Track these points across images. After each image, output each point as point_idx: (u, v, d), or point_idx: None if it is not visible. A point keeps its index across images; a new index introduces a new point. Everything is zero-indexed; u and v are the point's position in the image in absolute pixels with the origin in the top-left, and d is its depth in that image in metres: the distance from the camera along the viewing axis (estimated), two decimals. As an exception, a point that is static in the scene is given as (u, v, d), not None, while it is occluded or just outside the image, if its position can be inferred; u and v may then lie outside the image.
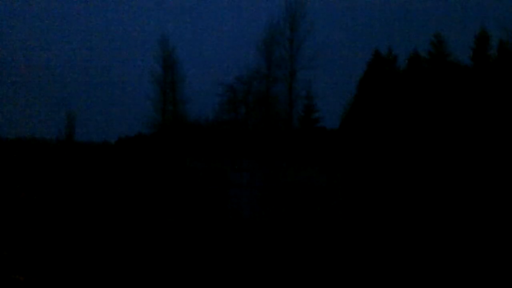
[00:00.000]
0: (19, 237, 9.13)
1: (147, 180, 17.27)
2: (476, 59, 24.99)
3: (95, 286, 7.00)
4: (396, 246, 8.52)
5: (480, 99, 22.96)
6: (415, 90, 25.34)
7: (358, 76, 29.20)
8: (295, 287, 6.94)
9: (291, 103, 26.92)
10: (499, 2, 23.17)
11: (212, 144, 26.45)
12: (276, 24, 27.32)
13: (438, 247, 8.34)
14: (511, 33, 23.82)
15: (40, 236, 9.08)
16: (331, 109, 27.83)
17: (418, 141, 23.44)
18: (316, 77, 30.83)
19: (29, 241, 8.77)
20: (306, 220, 10.33)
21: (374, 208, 11.70)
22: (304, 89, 27.42)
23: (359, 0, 28.05)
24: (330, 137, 27.80)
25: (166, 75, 29.16)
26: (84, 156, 29.61)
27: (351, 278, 7.13)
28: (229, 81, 28.02)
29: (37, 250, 8.39)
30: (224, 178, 17.31)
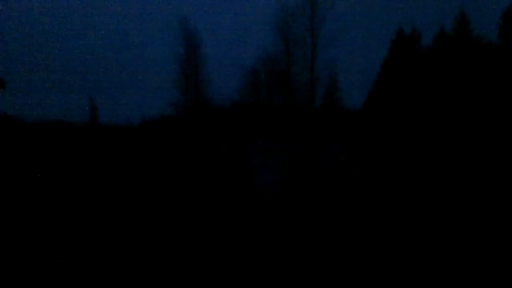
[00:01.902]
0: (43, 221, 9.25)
1: (172, 163, 17.35)
2: (503, 36, 24.72)
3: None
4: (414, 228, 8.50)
5: (507, 77, 22.75)
6: (440, 69, 25.18)
7: (381, 55, 29.07)
8: (314, 267, 6.98)
9: (313, 83, 26.89)
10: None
11: (236, 126, 26.48)
12: (296, 2, 27.35)
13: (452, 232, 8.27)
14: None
15: (64, 220, 9.19)
16: (354, 89, 27.62)
17: (443, 121, 23.33)
18: (338, 56, 30.56)
19: (53, 225, 8.88)
20: (329, 201, 10.32)
21: (397, 191, 11.63)
22: (326, 69, 27.46)
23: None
24: (353, 117, 27.72)
25: (188, 57, 29.24)
26: (109, 138, 29.81)
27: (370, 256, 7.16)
28: (250, 63, 28.06)
29: (63, 231, 8.51)
30: (248, 160, 17.36)
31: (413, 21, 28.42)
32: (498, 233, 8.28)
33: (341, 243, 7.75)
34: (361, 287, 6.57)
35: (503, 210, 9.45)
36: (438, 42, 27.18)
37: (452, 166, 14.51)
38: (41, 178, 13.79)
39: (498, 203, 9.94)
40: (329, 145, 21.46)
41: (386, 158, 17.05)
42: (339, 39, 26.73)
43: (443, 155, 17.42)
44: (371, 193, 11.18)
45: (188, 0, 29.88)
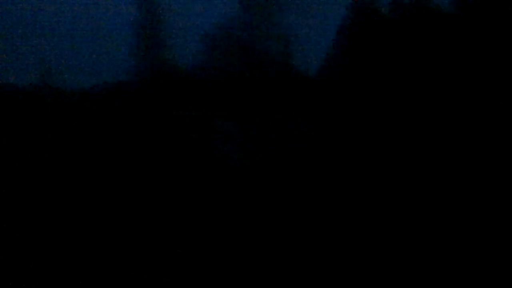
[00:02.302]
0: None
1: (132, 131, 16.98)
2: (461, 4, 24.91)
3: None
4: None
5: (463, 46, 23.09)
6: (397, 36, 25.34)
7: (338, 20, 29.00)
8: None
9: (271, 49, 26.82)
10: None
11: (196, 92, 26.21)
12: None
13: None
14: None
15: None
16: (314, 56, 27.61)
17: (399, 90, 23.54)
18: (296, 22, 30.44)
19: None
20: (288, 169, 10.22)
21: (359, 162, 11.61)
22: (283, 35, 27.39)
23: None
24: (310, 85, 27.73)
25: (145, 20, 28.64)
26: (62, 104, 29.10)
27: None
28: (208, 29, 27.74)
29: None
30: (209, 127, 17.13)
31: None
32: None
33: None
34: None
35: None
36: (394, 9, 27.27)
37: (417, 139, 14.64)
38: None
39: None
40: (287, 113, 21.45)
41: (344, 127, 17.09)
42: (296, 5, 26.58)
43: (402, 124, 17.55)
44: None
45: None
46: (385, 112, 20.10)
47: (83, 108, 27.61)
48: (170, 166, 11.32)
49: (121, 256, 6.71)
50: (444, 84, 21.61)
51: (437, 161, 11.41)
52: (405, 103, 20.93)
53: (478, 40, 21.59)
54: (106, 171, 10.94)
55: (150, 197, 8.84)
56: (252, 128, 16.41)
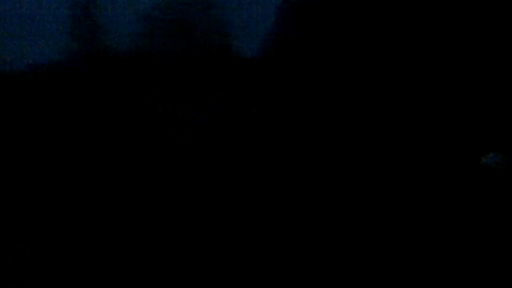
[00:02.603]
0: None
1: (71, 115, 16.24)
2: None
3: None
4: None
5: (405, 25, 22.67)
6: (334, 14, 24.74)
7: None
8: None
9: (209, 30, 25.95)
10: None
11: (134, 75, 25.19)
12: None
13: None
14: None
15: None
16: (253, 36, 27.05)
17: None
18: (235, 3, 29.77)
19: None
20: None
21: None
22: (223, 15, 26.52)
23: None
24: (249, 66, 26.88)
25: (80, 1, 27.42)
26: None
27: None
28: (145, 9, 26.63)
29: None
30: (149, 107, 16.50)
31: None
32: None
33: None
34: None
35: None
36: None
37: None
38: None
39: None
40: (227, 93, 20.87)
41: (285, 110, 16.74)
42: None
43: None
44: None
45: None
46: (324, 93, 19.70)
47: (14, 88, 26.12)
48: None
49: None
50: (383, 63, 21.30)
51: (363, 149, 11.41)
52: (342, 86, 20.56)
53: (416, 20, 21.24)
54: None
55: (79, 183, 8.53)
56: (190, 108, 15.94)
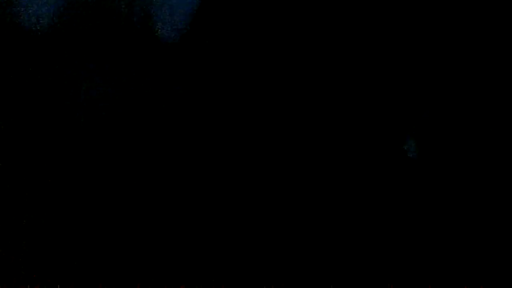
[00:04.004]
0: None
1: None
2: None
3: None
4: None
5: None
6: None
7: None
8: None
9: (128, 11, 25.87)
10: None
11: (51, 51, 24.74)
12: None
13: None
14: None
15: None
16: (172, 19, 27.03)
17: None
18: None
19: None
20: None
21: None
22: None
23: None
24: (170, 49, 26.93)
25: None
26: None
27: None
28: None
29: None
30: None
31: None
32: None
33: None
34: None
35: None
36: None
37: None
38: None
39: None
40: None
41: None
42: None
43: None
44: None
45: None
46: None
47: None
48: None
49: None
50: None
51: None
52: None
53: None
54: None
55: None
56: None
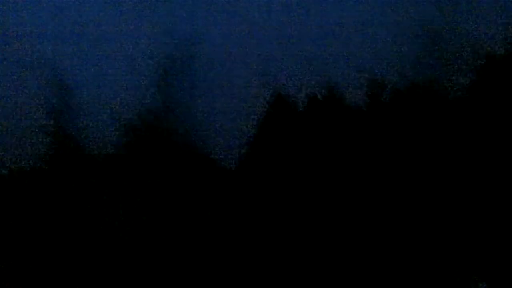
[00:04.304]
0: None
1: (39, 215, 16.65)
2: (371, 102, 26.37)
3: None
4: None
5: (374, 139, 24.27)
6: (313, 131, 26.28)
7: (257, 115, 29.80)
8: None
9: (190, 139, 27.11)
10: (395, 47, 24.75)
11: (109, 179, 25.99)
12: (173, 59, 27.86)
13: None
14: (404, 77, 25.53)
15: None
16: (230, 146, 28.20)
17: (317, 181, 24.28)
18: (216, 113, 31.26)
19: None
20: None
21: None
22: (202, 126, 27.82)
23: (257, 35, 28.86)
24: (227, 176, 28.04)
25: (63, 107, 28.45)
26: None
27: None
28: (127, 117, 27.87)
29: None
30: (119, 213, 17.00)
31: (288, 84, 29.70)
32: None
33: None
34: None
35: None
36: (310, 106, 28.46)
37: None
38: None
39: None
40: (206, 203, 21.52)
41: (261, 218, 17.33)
42: (216, 96, 27.36)
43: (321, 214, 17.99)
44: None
45: (63, 47, 29.29)
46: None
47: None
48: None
49: None
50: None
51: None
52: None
53: (388, 135, 22.98)
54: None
55: None
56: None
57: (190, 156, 27.11)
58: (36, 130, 28.80)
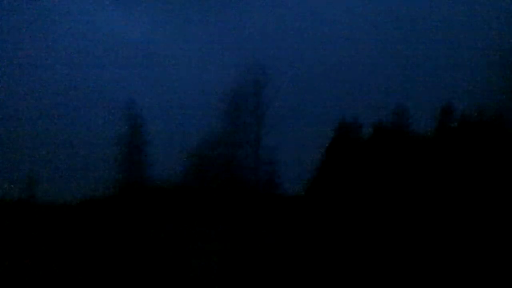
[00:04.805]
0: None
1: (108, 245, 16.95)
2: (439, 130, 25.90)
3: None
4: None
5: (441, 167, 23.83)
6: (379, 158, 26.07)
7: (323, 143, 29.76)
8: None
9: (256, 168, 27.24)
10: (464, 76, 24.35)
11: (176, 208, 26.34)
12: (241, 89, 28.06)
13: None
14: (473, 106, 25.02)
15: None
16: (296, 175, 28.19)
17: (383, 209, 23.99)
18: (282, 143, 31.39)
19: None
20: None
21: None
22: (269, 155, 27.91)
23: (324, 68, 28.83)
24: (294, 203, 28.04)
25: (131, 138, 29.25)
26: (45, 217, 29.07)
27: None
28: (195, 146, 28.30)
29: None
30: (187, 242, 17.16)
31: (354, 112, 29.54)
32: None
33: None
34: None
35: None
36: (376, 133, 28.23)
37: (391, 253, 14.83)
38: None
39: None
40: (271, 230, 21.56)
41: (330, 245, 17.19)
42: (284, 126, 27.43)
43: (386, 241, 17.75)
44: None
45: (135, 83, 30.16)
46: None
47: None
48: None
49: None
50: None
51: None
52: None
53: (453, 165, 22.53)
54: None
55: None
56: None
57: (257, 189, 27.26)
58: (107, 161, 29.69)
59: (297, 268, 11.96)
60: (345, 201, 24.58)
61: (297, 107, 32.04)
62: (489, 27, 26.38)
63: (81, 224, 27.27)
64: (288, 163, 31.49)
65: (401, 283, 11.12)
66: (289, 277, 10.71)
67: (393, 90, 29.02)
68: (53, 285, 10.00)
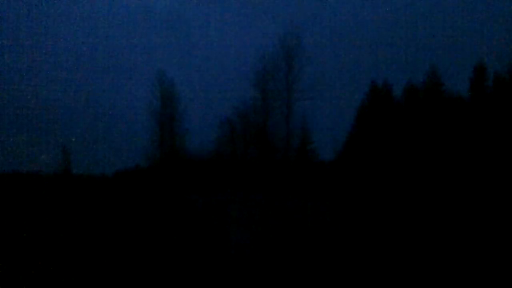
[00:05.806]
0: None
1: (146, 216, 17.16)
2: (473, 90, 25.37)
3: None
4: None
5: (476, 130, 23.34)
6: (411, 121, 25.69)
7: (354, 107, 29.54)
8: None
9: (288, 135, 27.20)
10: (496, 35, 23.67)
11: (211, 177, 26.53)
12: (272, 56, 27.94)
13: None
14: (506, 65, 24.34)
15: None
16: (328, 140, 28.12)
17: (414, 173, 23.72)
18: (313, 108, 31.27)
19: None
20: (309, 259, 10.26)
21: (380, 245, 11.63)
22: (300, 121, 27.80)
23: (355, 32, 28.39)
24: (327, 168, 28.00)
25: (164, 109, 29.48)
26: (82, 189, 29.58)
27: None
28: (226, 115, 28.35)
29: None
30: (223, 212, 17.34)
31: (386, 74, 29.16)
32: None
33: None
34: None
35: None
36: (408, 95, 27.80)
37: (431, 215, 14.72)
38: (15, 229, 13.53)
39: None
40: (304, 196, 21.59)
41: (364, 210, 17.15)
42: (314, 93, 27.30)
43: (419, 204, 17.62)
44: (352, 249, 11.12)
45: (166, 52, 30.22)
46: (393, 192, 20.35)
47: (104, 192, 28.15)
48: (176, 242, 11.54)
49: None
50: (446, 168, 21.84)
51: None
52: (411, 186, 21.12)
53: (487, 125, 22.01)
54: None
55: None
56: (263, 208, 16.72)
57: (288, 151, 27.26)
58: (143, 133, 30.02)
59: (334, 237, 12.00)
60: (378, 165, 24.39)
61: (327, 72, 31.84)
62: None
63: (118, 195, 27.70)
64: (320, 129, 31.42)
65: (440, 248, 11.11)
66: (325, 247, 10.75)
67: (425, 50, 28.54)
68: (98, 253, 10.25)
